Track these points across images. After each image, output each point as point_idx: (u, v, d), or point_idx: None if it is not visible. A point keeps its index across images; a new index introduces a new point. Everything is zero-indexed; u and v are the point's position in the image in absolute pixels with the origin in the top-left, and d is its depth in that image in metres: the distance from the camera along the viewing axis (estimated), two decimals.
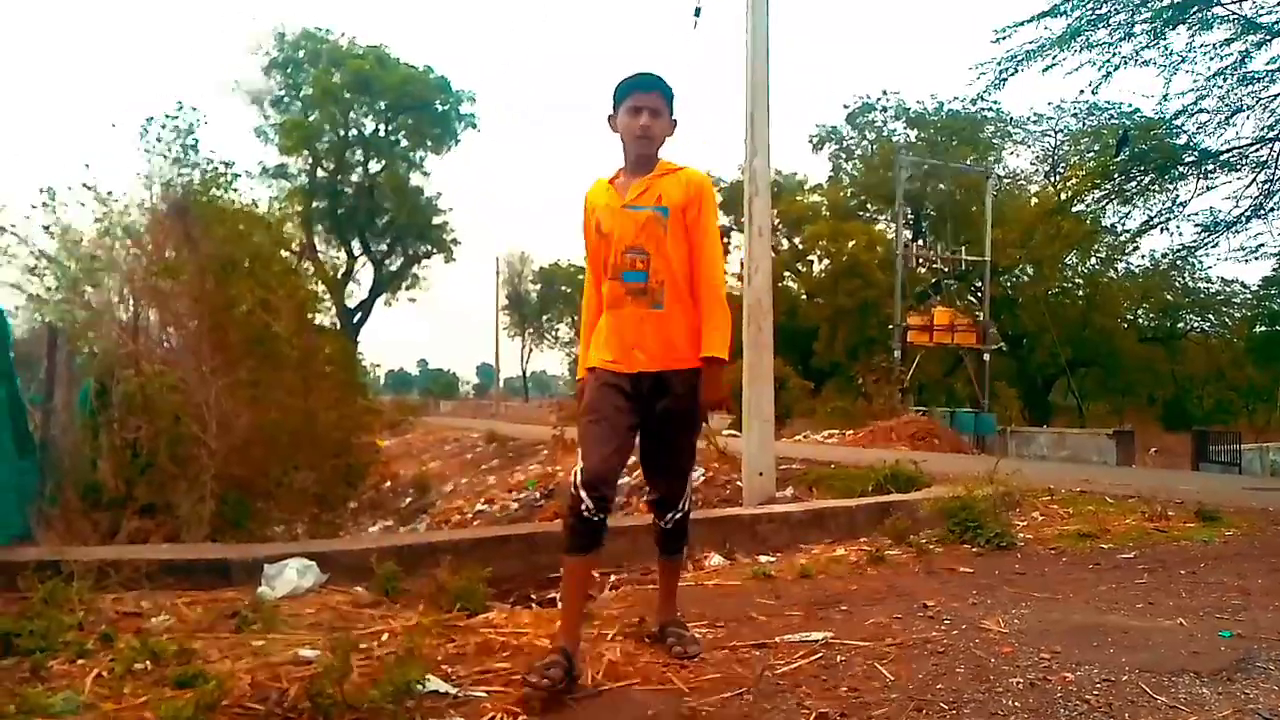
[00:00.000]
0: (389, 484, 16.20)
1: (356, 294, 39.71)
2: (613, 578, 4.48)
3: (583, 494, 2.67)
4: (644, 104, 2.88)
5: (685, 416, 2.89)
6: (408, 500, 15.51)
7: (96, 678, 2.43)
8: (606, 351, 2.88)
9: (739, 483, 7.77)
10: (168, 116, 8.08)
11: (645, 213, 2.85)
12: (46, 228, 6.98)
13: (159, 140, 7.91)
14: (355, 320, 38.41)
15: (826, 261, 35.08)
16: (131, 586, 3.52)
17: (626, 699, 2.52)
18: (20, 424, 4.95)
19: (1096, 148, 19.44)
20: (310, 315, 9.98)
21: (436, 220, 40.25)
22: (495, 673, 2.71)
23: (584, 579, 2.90)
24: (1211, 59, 11.79)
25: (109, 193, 7.28)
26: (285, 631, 3.06)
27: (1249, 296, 30.41)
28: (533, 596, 4.17)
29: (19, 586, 3.34)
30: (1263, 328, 30.79)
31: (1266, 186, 12.59)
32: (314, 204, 36.89)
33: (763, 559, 4.86)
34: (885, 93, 36.66)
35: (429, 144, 39.14)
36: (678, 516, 3.03)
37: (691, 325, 2.87)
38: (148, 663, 2.54)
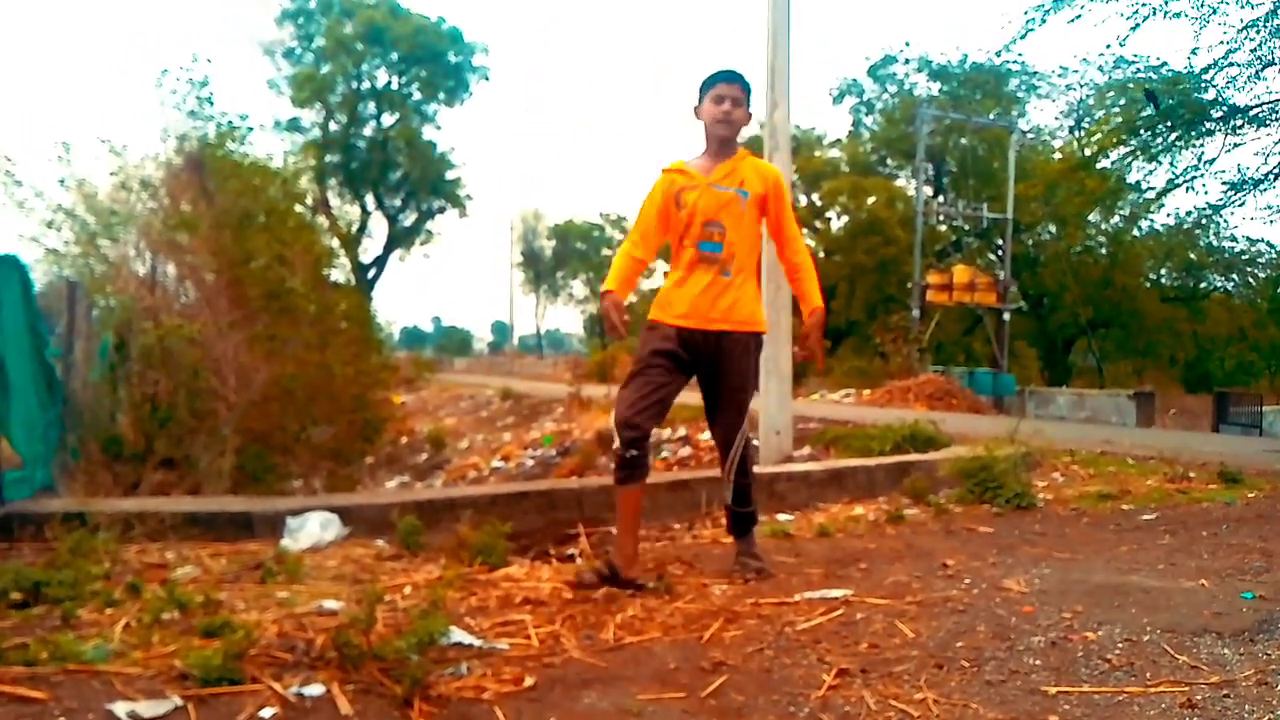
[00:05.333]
0: (405, 440, 16.33)
1: (370, 249, 39.71)
2: None
3: (617, 431, 3.19)
4: (727, 94, 3.28)
5: (739, 373, 3.29)
6: (424, 456, 15.64)
7: (125, 627, 2.46)
8: (675, 309, 3.25)
9: (756, 442, 7.77)
10: (182, 68, 8.02)
11: (729, 193, 3.24)
12: (62, 181, 6.98)
13: (173, 93, 7.86)
14: (369, 276, 38.43)
15: (845, 218, 34.75)
16: (156, 538, 3.56)
17: (647, 652, 2.54)
18: (47, 376, 4.98)
19: (1122, 102, 18.99)
20: (325, 270, 9.98)
21: (450, 175, 40.02)
22: (517, 625, 2.73)
23: (635, 504, 3.29)
24: (1244, 9, 11.46)
25: (124, 145, 7.26)
26: (309, 583, 3.09)
27: (1274, 256, 29.92)
28: (551, 552, 4.19)
29: (46, 537, 3.39)
30: None
31: None
32: (327, 158, 36.69)
33: (781, 517, 4.86)
34: (908, 44, 35.96)
35: (441, 97, 38.77)
36: (739, 492, 3.40)
37: (751, 295, 3.30)
38: (175, 612, 2.57)
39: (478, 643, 2.52)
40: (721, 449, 3.38)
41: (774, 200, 3.33)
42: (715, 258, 3.22)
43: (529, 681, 2.25)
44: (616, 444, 3.18)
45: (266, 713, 1.95)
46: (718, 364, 3.26)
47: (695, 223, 3.23)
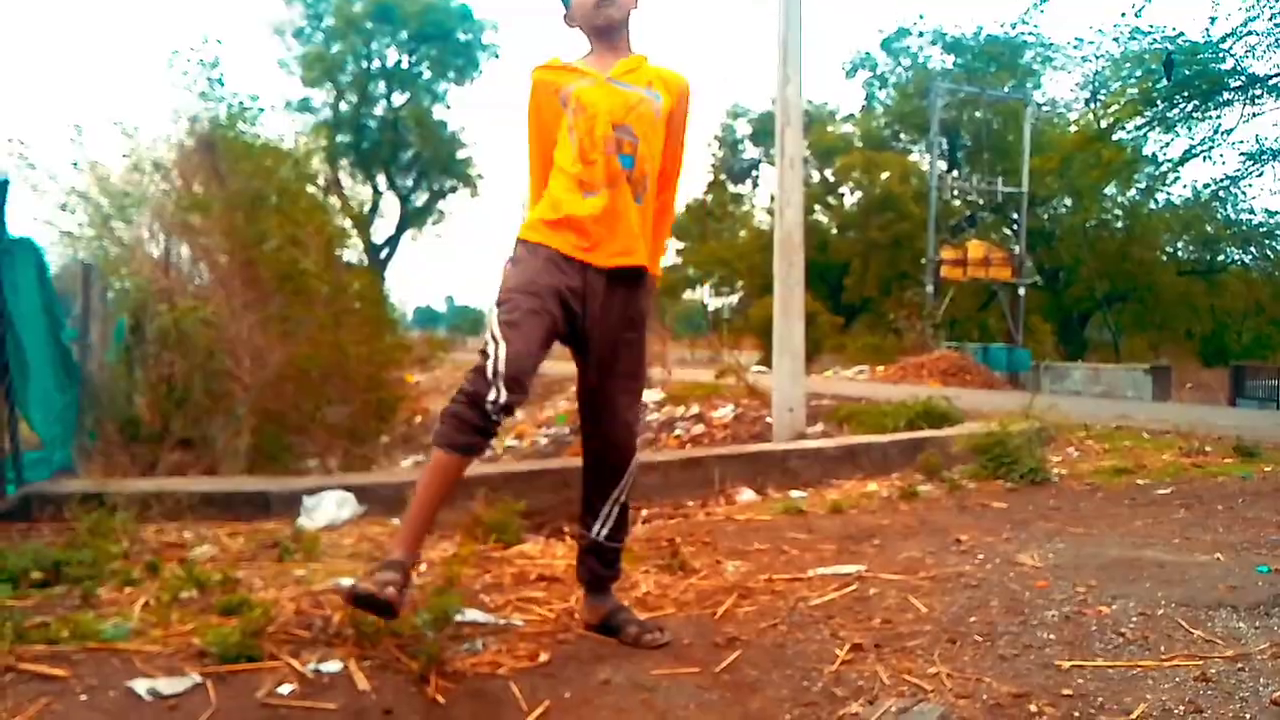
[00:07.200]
0: (420, 419, 16.36)
1: (382, 229, 39.69)
2: (644, 512, 4.52)
3: (500, 384, 2.16)
4: None
5: (642, 318, 2.46)
6: None
7: (144, 605, 2.49)
8: (573, 237, 2.33)
9: (769, 419, 7.77)
10: (192, 49, 8.01)
11: (636, 92, 2.39)
12: (75, 163, 7.01)
13: (184, 74, 7.86)
14: (382, 256, 38.43)
15: (859, 194, 34.50)
16: (173, 517, 3.59)
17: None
18: (64, 358, 5.02)
19: (1139, 73, 18.73)
20: (338, 251, 9.99)
21: (460, 154, 39.87)
22: (531, 602, 2.75)
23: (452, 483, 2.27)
24: None
25: (136, 127, 7.29)
26: (326, 561, 3.12)
27: None
28: (565, 529, 4.20)
29: (65, 517, 3.42)
30: None
31: None
32: (338, 138, 36.60)
33: (794, 494, 4.86)
34: (921, 17, 35.50)
35: (451, 75, 38.56)
36: (621, 518, 2.51)
37: (653, 227, 2.51)
38: (193, 591, 2.59)
39: (493, 619, 2.53)
40: (612, 440, 2.48)
41: (680, 118, 2.49)
42: (630, 175, 2.33)
43: (544, 657, 2.27)
44: (494, 396, 2.13)
45: (285, 689, 1.97)
46: (618, 311, 2.39)
47: (601, 124, 2.32)
